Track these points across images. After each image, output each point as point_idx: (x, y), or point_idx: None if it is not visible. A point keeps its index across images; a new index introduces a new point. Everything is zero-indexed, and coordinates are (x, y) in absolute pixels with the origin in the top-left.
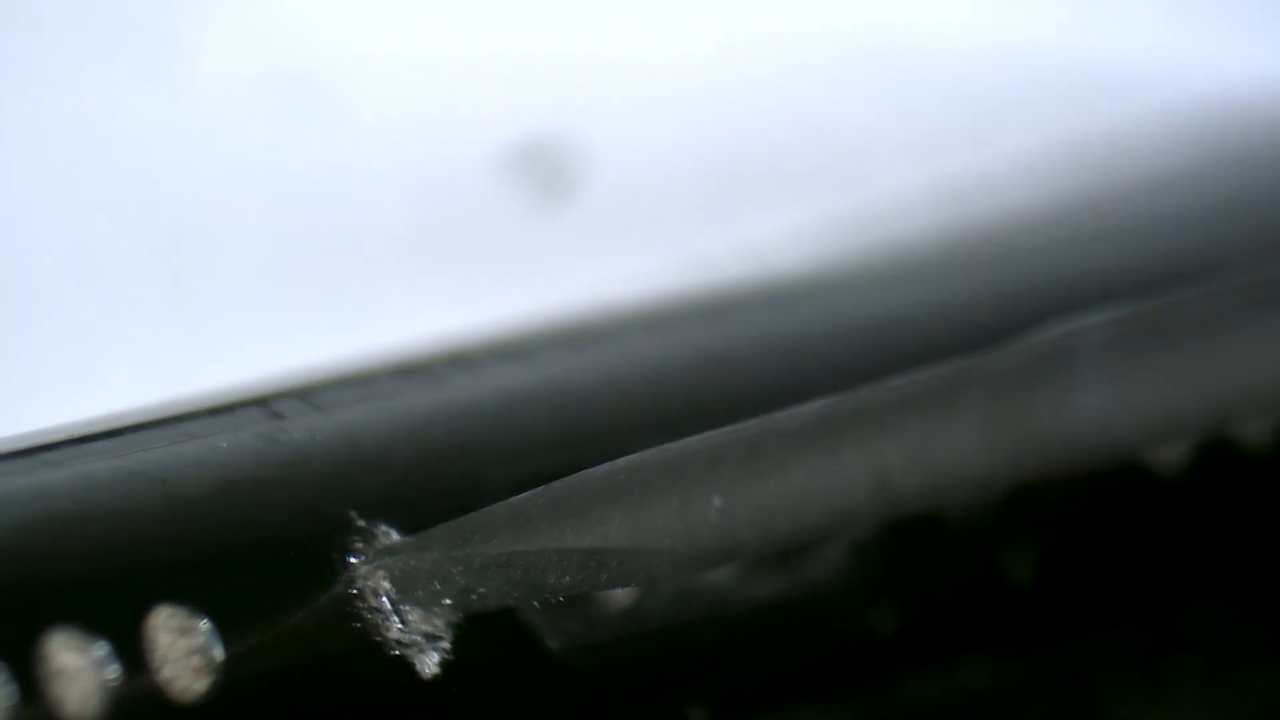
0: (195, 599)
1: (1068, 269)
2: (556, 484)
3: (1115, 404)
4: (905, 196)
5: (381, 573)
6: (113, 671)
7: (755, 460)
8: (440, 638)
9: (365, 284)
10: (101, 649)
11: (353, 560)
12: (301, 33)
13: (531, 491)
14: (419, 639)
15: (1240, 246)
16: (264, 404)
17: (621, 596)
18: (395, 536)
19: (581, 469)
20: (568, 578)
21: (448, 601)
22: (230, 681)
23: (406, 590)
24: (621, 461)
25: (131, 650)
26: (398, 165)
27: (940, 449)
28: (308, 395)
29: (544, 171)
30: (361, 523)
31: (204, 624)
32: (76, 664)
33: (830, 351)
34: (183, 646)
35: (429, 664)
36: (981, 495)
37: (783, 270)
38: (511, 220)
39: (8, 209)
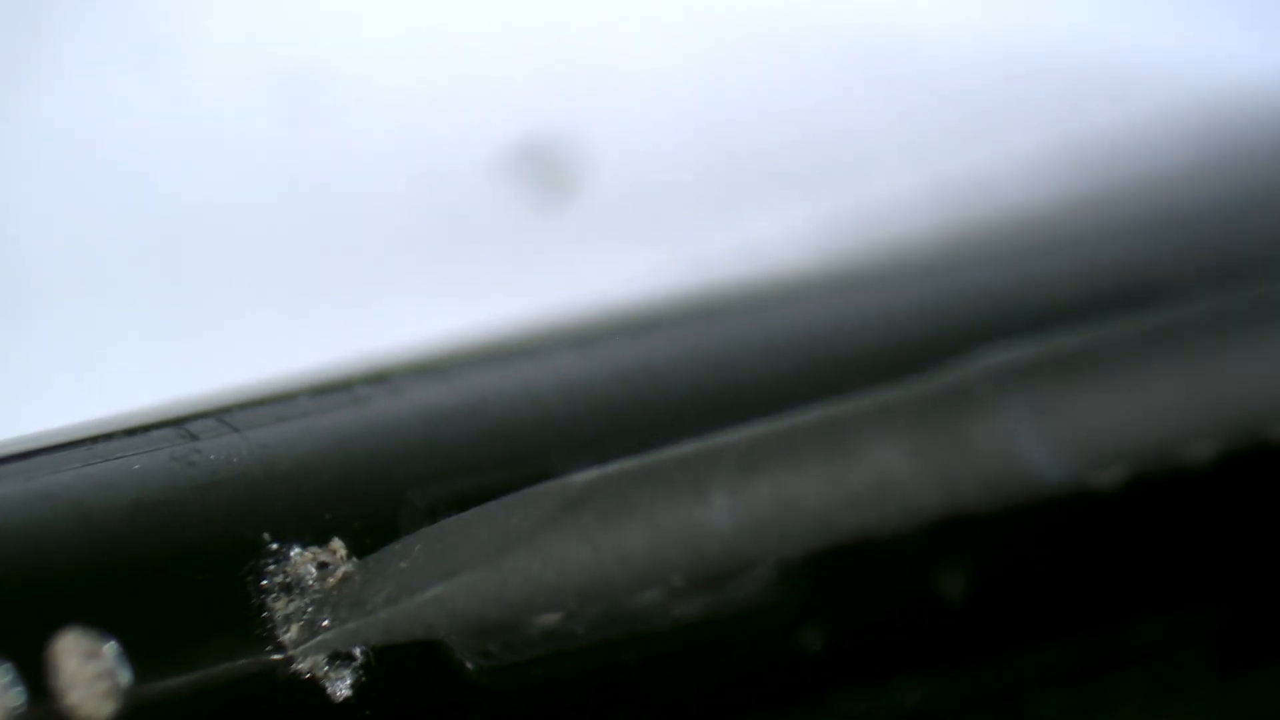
0: (103, 622)
1: (1066, 269)
2: (484, 509)
3: (1046, 433)
4: (905, 196)
5: (298, 593)
6: (17, 696)
7: (676, 500)
8: (353, 660)
9: (364, 284)
10: (6, 673)
11: (264, 582)
12: (301, 32)
13: (460, 516)
14: (331, 662)
15: (1239, 247)
16: (179, 425)
17: (543, 616)
18: (308, 557)
19: (504, 489)
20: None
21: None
22: (138, 706)
23: (323, 612)
24: (541, 488)
25: (37, 674)
26: (397, 165)
27: (867, 481)
28: (224, 416)
29: (544, 172)
30: (275, 545)
31: (111, 648)
32: None
33: (763, 366)
34: (89, 670)
35: (342, 687)
36: (909, 522)
37: (722, 281)
38: (512, 220)
39: (6, 209)
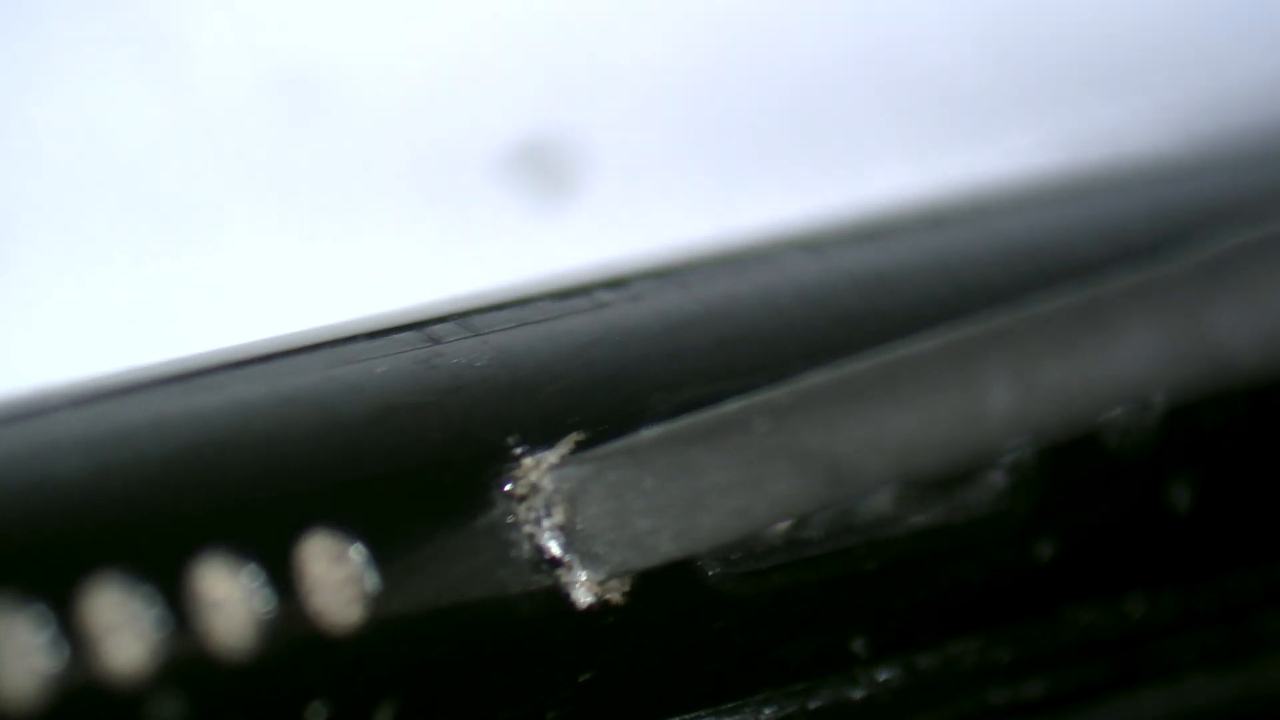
0: (350, 526)
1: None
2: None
3: None
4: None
5: (543, 498)
6: (264, 600)
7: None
8: (597, 567)
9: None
10: (253, 577)
11: (509, 487)
12: (300, 31)
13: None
14: (575, 568)
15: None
16: (420, 328)
17: (782, 524)
18: (553, 460)
19: (742, 395)
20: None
21: (615, 540)
22: (383, 611)
23: (567, 518)
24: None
25: (284, 579)
26: (397, 165)
27: (1109, 362)
28: (465, 319)
29: (544, 171)
30: (519, 449)
31: (358, 551)
32: (228, 592)
33: (990, 271)
34: (336, 575)
35: (585, 594)
36: (1147, 410)
37: (941, 194)
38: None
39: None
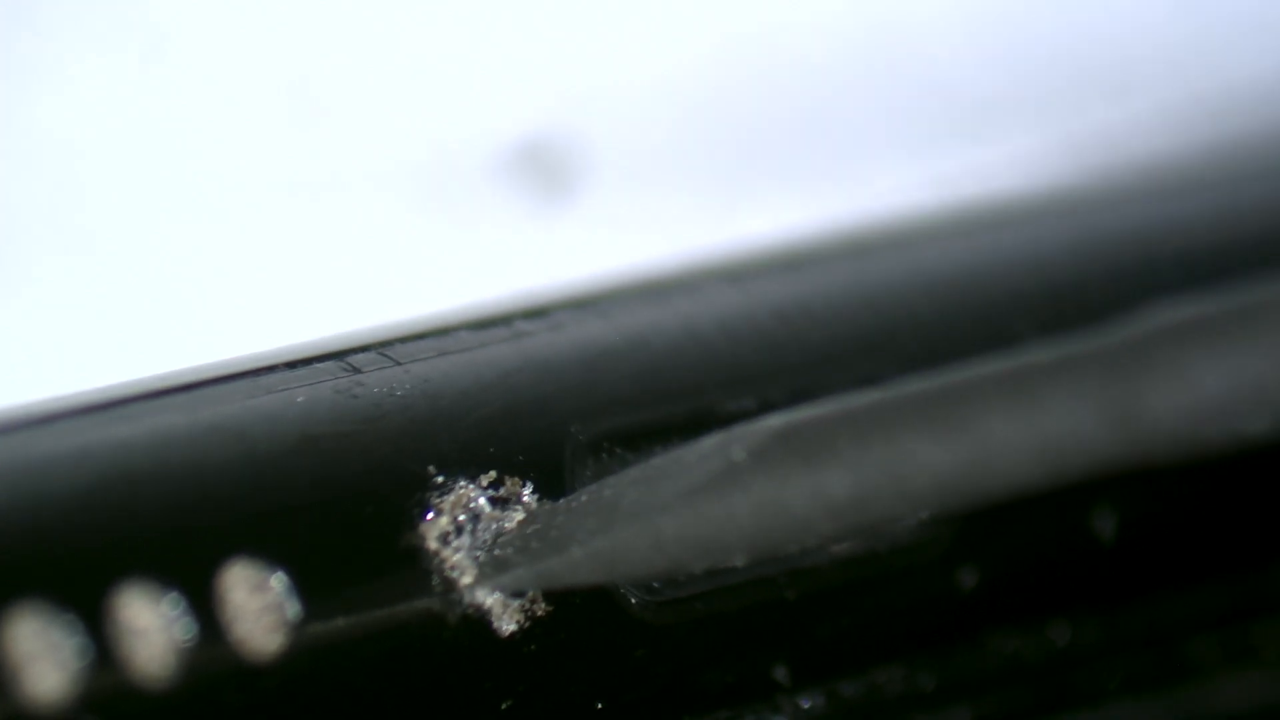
0: (271, 555)
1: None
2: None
3: (1230, 387)
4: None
5: (464, 527)
6: (185, 629)
7: (868, 442)
8: (519, 596)
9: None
10: (174, 606)
11: (430, 515)
12: (300, 32)
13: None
14: (497, 597)
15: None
16: (340, 358)
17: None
18: (473, 490)
19: (663, 424)
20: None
21: (537, 568)
22: (304, 639)
23: (488, 546)
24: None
25: (205, 608)
26: (397, 166)
27: (1052, 431)
28: (385, 349)
29: (544, 171)
30: (440, 478)
31: (279, 580)
32: (149, 620)
33: (913, 301)
34: (257, 603)
35: (507, 622)
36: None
37: (865, 222)
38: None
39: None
